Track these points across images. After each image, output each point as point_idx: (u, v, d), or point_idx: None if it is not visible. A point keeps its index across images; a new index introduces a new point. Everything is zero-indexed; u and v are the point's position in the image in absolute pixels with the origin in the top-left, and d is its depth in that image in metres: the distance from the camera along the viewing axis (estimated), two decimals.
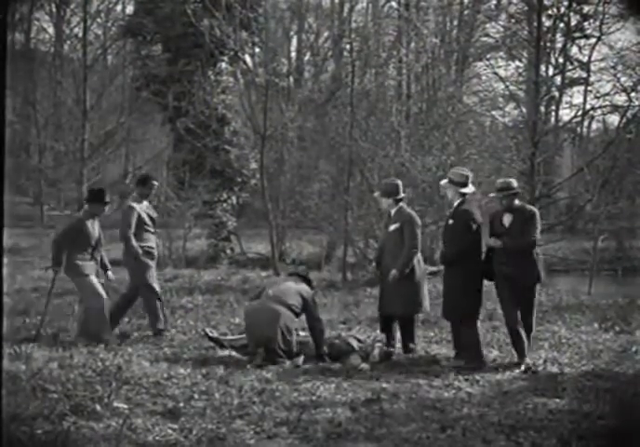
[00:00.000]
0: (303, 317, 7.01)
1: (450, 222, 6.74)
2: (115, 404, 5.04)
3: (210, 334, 7.27)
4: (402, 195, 7.20)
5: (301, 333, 7.47)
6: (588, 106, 23.88)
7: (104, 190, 7.76)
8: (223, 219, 19.21)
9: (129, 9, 29.38)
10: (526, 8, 22.50)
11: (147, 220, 7.71)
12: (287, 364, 6.47)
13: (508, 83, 23.53)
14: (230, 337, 7.32)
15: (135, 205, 7.67)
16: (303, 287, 7.02)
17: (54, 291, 7.86)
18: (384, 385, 5.87)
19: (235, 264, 17.62)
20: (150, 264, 7.68)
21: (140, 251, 7.56)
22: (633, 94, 19.31)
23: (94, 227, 7.52)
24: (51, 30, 31.99)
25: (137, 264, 7.61)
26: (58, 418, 4.68)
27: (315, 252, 17.72)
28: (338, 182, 15.48)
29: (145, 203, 7.85)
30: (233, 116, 19.70)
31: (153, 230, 7.82)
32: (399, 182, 7.29)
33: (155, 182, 8.02)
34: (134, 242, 7.54)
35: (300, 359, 6.59)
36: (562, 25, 22.33)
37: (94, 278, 7.44)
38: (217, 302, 10.29)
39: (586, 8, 23.11)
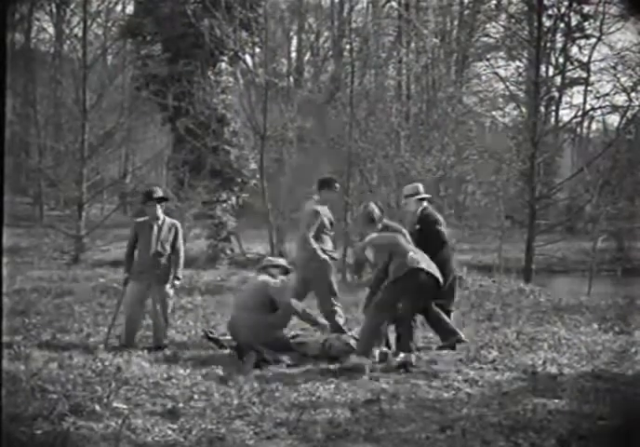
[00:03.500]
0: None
1: (417, 227, 6.98)
2: (115, 404, 5.04)
3: (210, 335, 7.27)
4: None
5: (300, 332, 7.49)
6: (588, 106, 24.00)
7: (151, 190, 7.55)
8: (223, 219, 19.20)
9: (129, 9, 29.45)
10: (526, 8, 22.54)
11: (327, 223, 7.59)
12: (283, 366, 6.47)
13: (508, 83, 23.64)
14: (229, 338, 7.32)
15: (319, 208, 7.54)
16: (264, 281, 6.97)
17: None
18: (383, 385, 5.87)
19: (235, 265, 17.61)
20: (330, 266, 7.55)
21: (322, 253, 7.43)
22: (632, 94, 19.36)
23: (153, 230, 7.35)
24: (51, 30, 32.09)
25: (318, 266, 7.50)
26: (57, 418, 4.68)
27: None
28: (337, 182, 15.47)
29: (325, 207, 7.71)
30: (233, 117, 19.69)
31: (330, 233, 7.69)
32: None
33: (338, 185, 7.89)
34: (314, 244, 7.43)
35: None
36: (562, 25, 22.36)
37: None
38: (216, 302, 10.28)
39: (586, 8, 23.17)
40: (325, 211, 7.63)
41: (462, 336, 7.07)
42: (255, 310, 6.81)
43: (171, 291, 7.41)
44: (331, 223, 7.70)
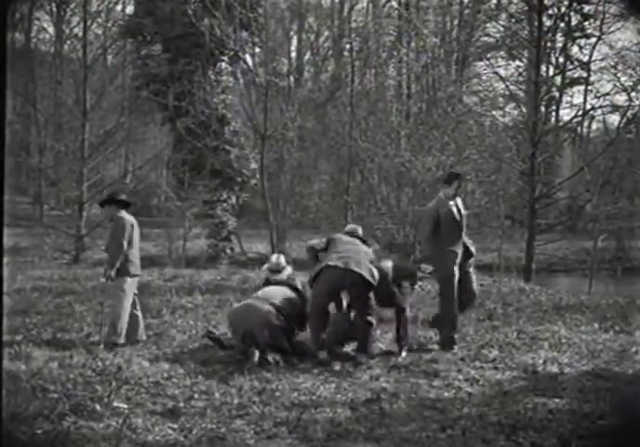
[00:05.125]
0: None
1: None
2: (115, 404, 5.05)
3: (211, 334, 7.27)
4: None
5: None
6: (588, 106, 23.94)
7: (113, 192, 7.73)
8: (223, 219, 19.22)
9: (129, 9, 29.46)
10: (526, 8, 22.50)
11: (447, 217, 7.51)
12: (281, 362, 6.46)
13: (508, 83, 23.56)
14: (230, 337, 7.31)
15: (435, 204, 7.53)
16: (292, 294, 7.10)
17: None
18: (384, 384, 5.87)
19: (235, 264, 17.61)
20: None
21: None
22: (633, 94, 19.35)
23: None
24: (51, 30, 32.09)
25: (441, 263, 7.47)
26: (58, 418, 4.68)
27: None
28: (337, 182, 15.51)
29: (455, 201, 7.61)
30: (233, 116, 19.72)
31: (459, 229, 7.65)
32: None
33: (457, 182, 7.67)
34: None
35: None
36: (562, 25, 22.31)
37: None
38: (217, 302, 10.26)
39: (587, 8, 23.14)
40: (441, 205, 7.52)
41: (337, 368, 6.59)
42: (285, 314, 6.82)
43: (124, 285, 7.23)
44: (456, 219, 7.59)
